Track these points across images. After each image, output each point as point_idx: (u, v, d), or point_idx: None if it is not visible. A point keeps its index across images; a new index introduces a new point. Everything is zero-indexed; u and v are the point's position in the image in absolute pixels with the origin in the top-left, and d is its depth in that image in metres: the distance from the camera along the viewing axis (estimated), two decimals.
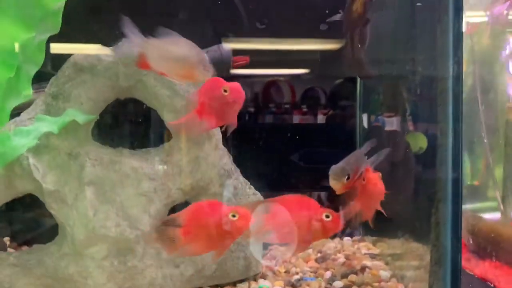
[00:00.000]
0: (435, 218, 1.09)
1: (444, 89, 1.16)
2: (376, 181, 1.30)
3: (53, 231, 1.54)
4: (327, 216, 1.07)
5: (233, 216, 1.06)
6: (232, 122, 1.23)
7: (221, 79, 1.22)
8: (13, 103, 1.21)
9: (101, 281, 1.28)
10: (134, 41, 1.14)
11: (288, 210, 1.11)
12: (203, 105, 1.21)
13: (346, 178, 1.19)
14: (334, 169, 1.21)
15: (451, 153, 1.13)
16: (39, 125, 1.24)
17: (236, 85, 1.22)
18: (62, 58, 1.37)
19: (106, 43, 1.38)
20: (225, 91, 1.19)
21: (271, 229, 1.12)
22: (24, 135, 1.21)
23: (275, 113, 2.35)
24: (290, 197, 1.13)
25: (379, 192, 1.31)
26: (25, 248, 1.72)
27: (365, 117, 2.38)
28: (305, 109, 2.39)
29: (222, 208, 1.08)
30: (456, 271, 1.07)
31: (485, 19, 1.97)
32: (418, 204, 1.37)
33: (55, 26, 1.22)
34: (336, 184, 1.20)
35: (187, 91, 1.37)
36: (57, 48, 1.54)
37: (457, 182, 1.06)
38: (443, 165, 1.12)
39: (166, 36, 1.15)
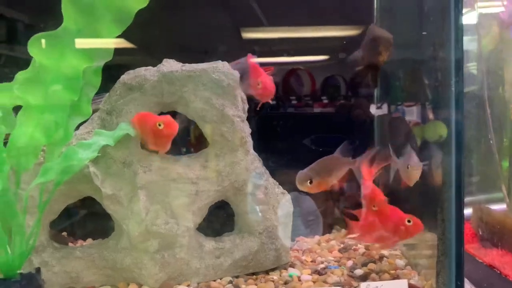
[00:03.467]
0: (441, 215, 1.26)
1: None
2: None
3: (101, 226, 1.77)
4: (409, 221, 1.31)
5: (159, 125, 1.40)
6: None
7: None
8: (76, 122, 1.43)
9: (154, 272, 1.49)
10: None
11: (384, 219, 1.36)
12: None
13: (308, 182, 1.40)
14: (298, 174, 1.44)
15: (454, 146, 1.26)
16: (98, 138, 1.44)
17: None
18: None
19: None
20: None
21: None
22: (86, 148, 1.41)
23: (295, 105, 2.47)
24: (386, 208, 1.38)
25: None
26: (80, 241, 1.95)
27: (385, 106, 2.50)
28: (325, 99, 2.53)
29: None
30: (460, 261, 1.24)
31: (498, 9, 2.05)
32: (428, 198, 1.52)
33: (109, 54, 1.42)
34: (301, 187, 1.43)
35: (222, 104, 1.56)
36: None
37: (459, 184, 1.21)
38: (446, 159, 1.26)
39: None
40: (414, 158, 1.42)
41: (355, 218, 1.45)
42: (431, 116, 1.83)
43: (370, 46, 1.59)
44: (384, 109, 2.42)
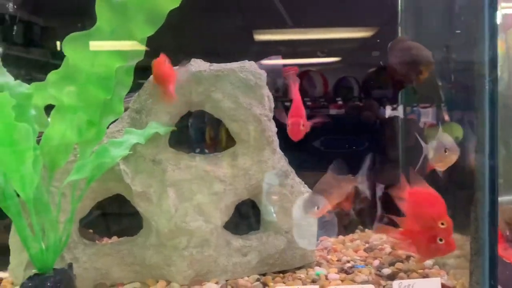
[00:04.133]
0: (474, 214, 1.26)
1: (481, 75, 1.25)
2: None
3: (126, 225, 1.80)
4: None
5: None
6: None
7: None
8: (109, 120, 1.45)
9: (183, 268, 1.50)
10: None
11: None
12: None
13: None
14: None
15: (488, 147, 1.25)
16: (129, 137, 1.46)
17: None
18: None
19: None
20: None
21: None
22: (117, 146, 1.43)
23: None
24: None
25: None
26: (106, 239, 1.98)
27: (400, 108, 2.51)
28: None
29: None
30: (493, 260, 1.23)
31: None
32: (457, 198, 1.52)
33: (140, 54, 1.44)
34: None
35: (249, 103, 1.58)
36: None
37: (493, 182, 1.21)
38: (480, 159, 1.25)
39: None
40: (452, 141, 1.40)
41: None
42: (446, 117, 1.82)
43: (409, 66, 1.51)
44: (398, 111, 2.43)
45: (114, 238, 1.96)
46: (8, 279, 1.57)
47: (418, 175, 1.34)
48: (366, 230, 2.05)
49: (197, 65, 1.61)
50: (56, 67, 1.39)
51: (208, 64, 1.62)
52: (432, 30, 1.77)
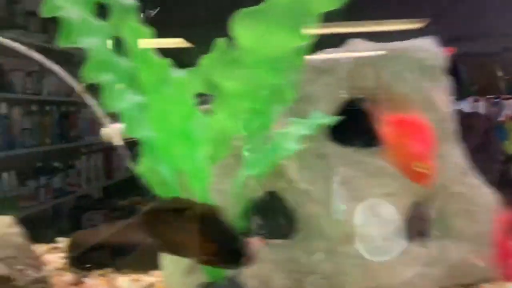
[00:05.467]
0: None
1: None
2: None
3: None
4: None
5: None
6: None
7: None
8: (277, 109, 1.27)
9: (360, 278, 1.31)
10: None
11: None
12: None
13: None
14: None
15: None
16: (297, 128, 1.29)
17: None
18: None
19: None
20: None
21: None
22: (289, 138, 1.26)
23: None
24: None
25: None
26: None
27: None
28: None
29: None
30: None
31: None
32: None
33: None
34: None
35: (427, 89, 1.36)
36: None
37: None
38: None
39: None
40: None
41: None
42: None
43: None
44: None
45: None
46: (159, 285, 1.44)
47: None
48: None
49: (359, 45, 1.42)
50: None
51: (372, 43, 1.42)
52: None
